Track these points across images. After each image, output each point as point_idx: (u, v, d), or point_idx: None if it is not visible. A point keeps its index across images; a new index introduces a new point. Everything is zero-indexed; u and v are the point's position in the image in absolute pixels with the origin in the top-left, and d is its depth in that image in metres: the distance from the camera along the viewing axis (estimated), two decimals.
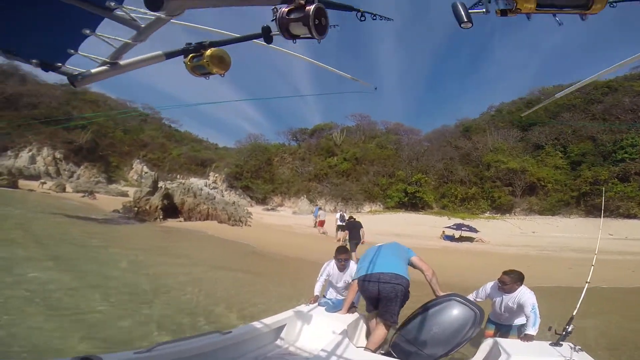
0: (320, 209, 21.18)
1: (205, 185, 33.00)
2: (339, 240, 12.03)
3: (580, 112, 30.90)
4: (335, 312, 3.50)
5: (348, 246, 10.35)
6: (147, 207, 18.41)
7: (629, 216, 22.43)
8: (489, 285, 3.81)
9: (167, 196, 19.32)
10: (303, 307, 3.55)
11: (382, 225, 21.84)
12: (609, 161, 25.99)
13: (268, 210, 31.88)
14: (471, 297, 3.72)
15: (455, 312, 2.84)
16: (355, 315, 3.56)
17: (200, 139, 72.63)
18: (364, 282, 3.23)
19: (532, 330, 3.20)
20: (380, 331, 3.15)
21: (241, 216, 19.67)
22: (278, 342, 3.10)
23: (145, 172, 42.06)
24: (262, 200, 35.92)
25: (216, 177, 40.64)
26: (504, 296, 3.62)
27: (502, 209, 27.60)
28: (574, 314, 3.17)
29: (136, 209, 18.26)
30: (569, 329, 2.97)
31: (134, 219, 17.03)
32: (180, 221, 18.30)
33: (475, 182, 29.88)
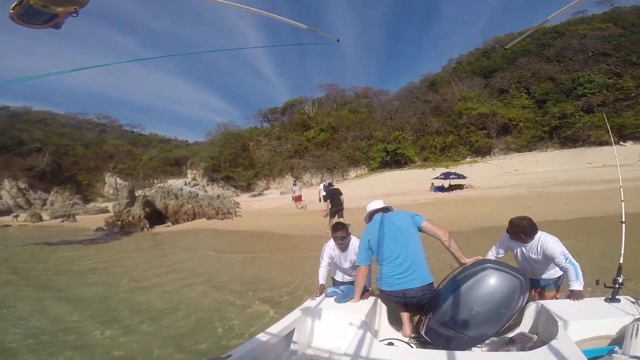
0: (295, 184, 20.92)
1: (185, 184, 31.98)
2: (325, 210, 11.59)
3: (535, 57, 32.15)
4: (347, 301, 3.01)
5: (329, 216, 10.35)
6: (131, 219, 17.74)
7: (600, 144, 24.10)
8: (505, 236, 3.31)
9: (148, 203, 18.64)
10: (310, 303, 3.05)
11: (370, 188, 22.01)
12: (572, 97, 27.57)
13: (255, 196, 31.52)
14: (491, 255, 3.32)
15: (494, 282, 2.32)
16: (371, 300, 3.05)
17: (169, 139, 69.79)
18: (386, 295, 2.90)
19: (577, 285, 2.73)
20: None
21: (229, 208, 19.25)
22: (292, 347, 2.69)
23: (120, 184, 40.16)
24: (247, 188, 35.48)
25: (194, 173, 39.48)
26: (523, 247, 3.13)
27: (481, 151, 28.73)
28: (621, 262, 2.72)
29: (119, 222, 17.54)
30: (620, 280, 2.55)
31: (120, 233, 16.37)
32: (168, 226, 17.81)
33: (450, 130, 30.70)
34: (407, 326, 2.89)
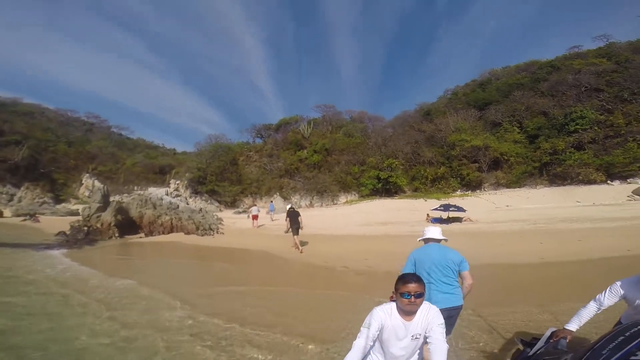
0: (255, 204, 20.92)
1: (166, 194, 30.56)
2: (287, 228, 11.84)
3: (529, 90, 32.58)
4: None
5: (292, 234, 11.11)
6: (99, 225, 16.36)
7: (589, 182, 24.04)
8: (623, 284, 2.61)
9: (122, 210, 17.37)
10: None
11: (364, 215, 21.44)
12: (563, 133, 27.54)
13: (239, 213, 30.23)
14: (595, 304, 2.65)
15: None
16: None
17: (156, 145, 68.68)
18: None
19: None
20: None
21: (211, 224, 17.99)
22: None
23: (96, 187, 38.33)
24: (232, 204, 34.15)
25: (178, 184, 38.07)
26: None
27: (471, 185, 28.27)
28: None
29: (86, 228, 16.11)
30: None
31: (84, 240, 14.87)
32: (140, 237, 16.41)
33: (442, 162, 30.29)
34: None
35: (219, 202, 34.57)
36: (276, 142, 41.13)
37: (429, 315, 2.11)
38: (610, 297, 2.60)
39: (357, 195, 30.58)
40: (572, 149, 26.21)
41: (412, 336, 2.10)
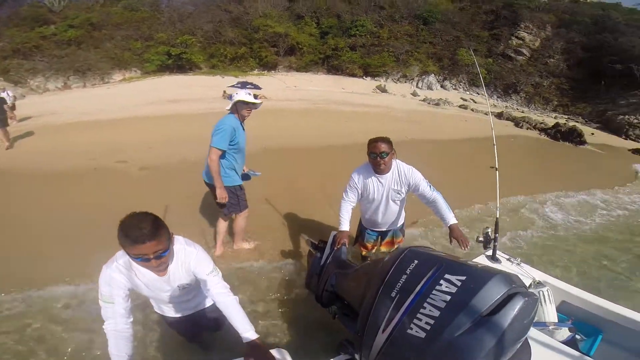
0: None
1: None
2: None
3: None
4: None
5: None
6: None
7: (353, 75, 30.62)
8: (355, 174, 2.53)
9: None
10: None
11: (149, 92, 18.38)
12: (346, 35, 32.58)
13: None
14: (348, 203, 2.56)
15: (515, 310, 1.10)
16: None
17: None
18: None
19: (453, 218, 2.26)
20: None
21: None
22: None
23: None
24: None
25: None
26: (379, 180, 2.42)
27: (268, 66, 30.09)
28: (498, 216, 2.34)
29: None
30: (497, 237, 2.24)
31: None
32: None
33: (244, 43, 30.25)
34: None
35: None
36: None
37: (186, 261, 1.58)
38: (352, 191, 2.53)
39: (139, 72, 26.02)
40: (348, 48, 31.71)
41: (179, 287, 1.66)
